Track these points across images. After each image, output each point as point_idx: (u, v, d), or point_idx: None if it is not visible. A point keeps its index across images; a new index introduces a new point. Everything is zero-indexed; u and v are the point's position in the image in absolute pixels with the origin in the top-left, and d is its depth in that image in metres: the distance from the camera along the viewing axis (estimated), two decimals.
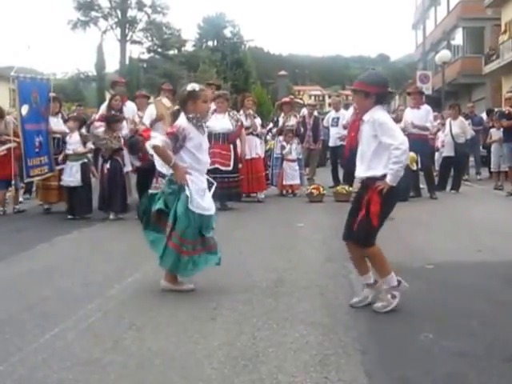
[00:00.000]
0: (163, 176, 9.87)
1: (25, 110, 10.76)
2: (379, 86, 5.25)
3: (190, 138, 5.72)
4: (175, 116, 6.03)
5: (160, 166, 9.69)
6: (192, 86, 5.85)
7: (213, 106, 12.09)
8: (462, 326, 4.75)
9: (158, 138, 5.68)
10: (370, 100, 5.19)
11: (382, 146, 5.05)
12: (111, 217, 10.65)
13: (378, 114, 5.13)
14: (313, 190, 13.16)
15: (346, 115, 15.30)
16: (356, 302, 5.32)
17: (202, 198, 5.75)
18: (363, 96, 5.23)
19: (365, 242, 5.22)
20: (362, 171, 5.25)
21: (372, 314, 5.10)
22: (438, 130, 17.23)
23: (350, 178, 14.17)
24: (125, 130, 11.52)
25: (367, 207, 5.08)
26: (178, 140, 5.65)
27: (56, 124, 11.61)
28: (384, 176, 5.02)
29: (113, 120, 11.10)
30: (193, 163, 5.76)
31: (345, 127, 15.22)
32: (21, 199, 12.53)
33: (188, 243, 5.69)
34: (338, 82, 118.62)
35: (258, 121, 14.54)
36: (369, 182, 5.14)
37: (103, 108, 12.61)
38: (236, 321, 4.95)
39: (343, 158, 15.07)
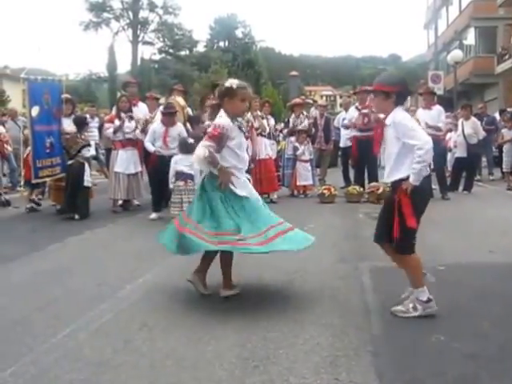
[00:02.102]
0: (192, 177, 9.92)
1: (35, 111, 10.79)
2: (398, 85, 5.22)
3: (232, 137, 5.64)
4: (214, 110, 5.93)
5: (185, 166, 9.78)
6: (230, 83, 5.70)
7: None
8: (473, 328, 4.74)
9: (201, 148, 5.54)
10: (391, 100, 5.16)
11: (406, 148, 5.00)
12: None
13: (399, 116, 5.08)
14: (324, 191, 13.13)
15: (348, 116, 15.20)
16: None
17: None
18: (384, 97, 5.18)
19: (403, 250, 5.14)
20: (387, 175, 5.22)
21: (383, 315, 5.09)
22: (450, 130, 17.16)
23: (361, 178, 14.16)
24: (136, 130, 11.59)
25: (399, 210, 5.02)
26: (222, 140, 5.57)
27: (69, 125, 11.63)
28: (409, 177, 4.98)
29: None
30: (235, 162, 5.69)
31: (346, 127, 15.20)
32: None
33: None
34: (349, 82, 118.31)
35: (272, 122, 14.52)
36: (396, 185, 5.10)
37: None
38: (246, 322, 4.96)
39: (352, 158, 15.02)
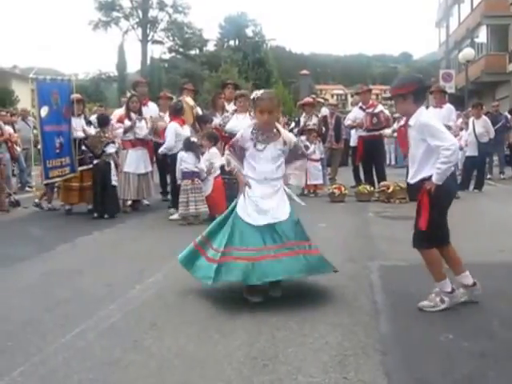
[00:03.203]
0: (198, 175, 10.00)
1: (44, 111, 10.78)
2: (411, 84, 5.24)
3: (246, 147, 5.76)
4: None
5: (190, 164, 9.85)
6: (255, 93, 5.83)
7: (233, 106, 12.10)
8: (482, 327, 4.72)
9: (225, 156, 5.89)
10: (409, 100, 5.17)
11: (431, 149, 5.01)
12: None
13: (424, 117, 5.10)
14: (334, 190, 13.10)
15: (351, 116, 15.15)
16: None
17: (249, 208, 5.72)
18: (402, 99, 5.22)
19: (418, 244, 5.20)
20: (412, 176, 5.24)
21: (392, 314, 5.09)
22: (461, 129, 17.10)
23: (369, 177, 14.14)
24: (144, 130, 11.62)
25: (419, 210, 5.10)
26: (235, 150, 5.79)
27: (79, 125, 11.66)
28: (431, 176, 5.00)
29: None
30: (249, 172, 5.80)
31: (351, 127, 15.15)
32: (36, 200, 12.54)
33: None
34: (360, 80, 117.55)
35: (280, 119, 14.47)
36: (421, 185, 5.12)
37: (121, 109, 12.76)
38: (256, 321, 4.96)
39: (357, 157, 14.97)
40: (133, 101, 11.89)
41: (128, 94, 12.85)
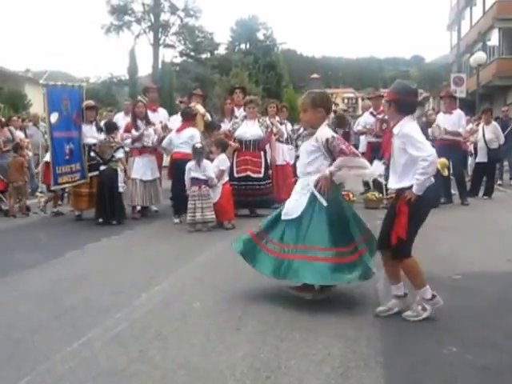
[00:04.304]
0: (206, 183, 10.02)
1: (54, 117, 10.82)
2: (395, 93, 5.32)
3: None
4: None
5: (199, 172, 9.88)
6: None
7: (242, 112, 12.11)
8: (486, 339, 4.72)
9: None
10: (392, 108, 5.29)
11: (412, 160, 5.07)
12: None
13: (407, 128, 5.16)
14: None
15: (361, 121, 15.12)
16: (381, 310, 5.36)
17: None
18: (388, 104, 5.38)
19: (398, 255, 5.23)
20: (393, 183, 5.31)
21: (396, 326, 5.09)
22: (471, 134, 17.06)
23: (379, 184, 14.10)
24: (152, 137, 11.62)
25: (398, 218, 5.13)
26: None
27: (89, 131, 11.67)
28: (412, 186, 5.05)
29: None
30: None
31: (361, 133, 15.13)
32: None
33: None
34: (371, 84, 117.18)
35: (289, 126, 14.46)
36: (400, 193, 5.18)
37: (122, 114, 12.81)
38: (260, 331, 4.98)
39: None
40: (138, 106, 11.86)
41: (139, 97, 12.82)
